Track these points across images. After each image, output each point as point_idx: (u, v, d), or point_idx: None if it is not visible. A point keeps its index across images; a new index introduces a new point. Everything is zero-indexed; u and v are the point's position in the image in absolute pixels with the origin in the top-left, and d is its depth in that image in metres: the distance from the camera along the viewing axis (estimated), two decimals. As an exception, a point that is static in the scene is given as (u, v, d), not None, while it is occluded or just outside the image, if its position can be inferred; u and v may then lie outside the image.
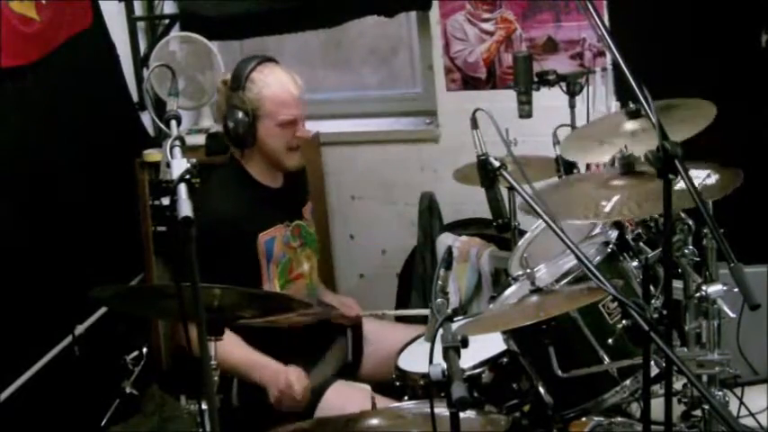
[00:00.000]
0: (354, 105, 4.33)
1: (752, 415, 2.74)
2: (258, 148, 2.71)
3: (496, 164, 2.03)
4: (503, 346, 2.42)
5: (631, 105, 2.38)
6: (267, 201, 2.76)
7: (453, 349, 1.67)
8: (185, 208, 1.63)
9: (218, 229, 2.54)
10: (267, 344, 2.65)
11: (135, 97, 3.91)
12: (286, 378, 2.55)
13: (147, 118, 3.95)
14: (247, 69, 2.67)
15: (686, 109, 2.42)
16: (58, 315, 3.23)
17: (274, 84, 2.68)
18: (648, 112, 1.75)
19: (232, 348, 2.51)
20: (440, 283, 1.91)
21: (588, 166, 3.23)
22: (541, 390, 2.26)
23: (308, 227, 2.88)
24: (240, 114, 2.65)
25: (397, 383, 2.63)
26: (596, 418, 2.51)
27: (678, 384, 2.29)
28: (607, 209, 2.02)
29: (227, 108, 2.69)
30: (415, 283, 3.93)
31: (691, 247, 2.24)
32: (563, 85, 3.04)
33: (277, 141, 2.70)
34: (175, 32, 3.88)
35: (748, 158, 2.22)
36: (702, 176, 2.15)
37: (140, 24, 3.99)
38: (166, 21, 4.00)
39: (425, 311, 3.08)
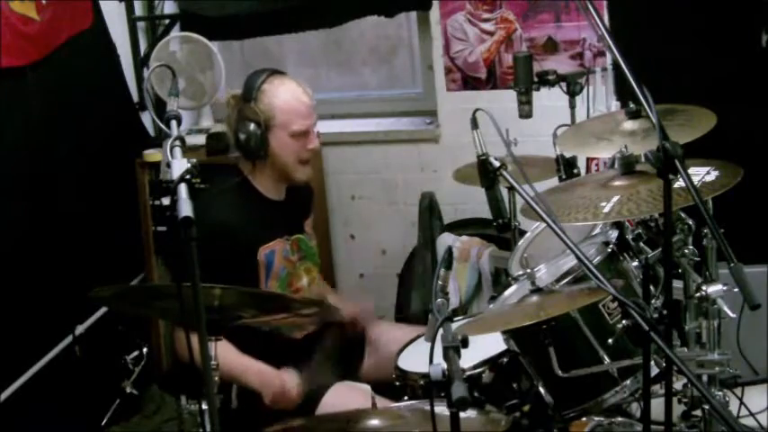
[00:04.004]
0: (355, 105, 4.34)
1: (752, 415, 2.74)
2: (270, 161, 2.70)
3: (496, 164, 2.03)
4: (503, 346, 2.42)
5: (631, 105, 2.38)
6: (269, 214, 2.76)
7: (453, 349, 1.67)
8: (185, 208, 1.63)
9: (220, 242, 2.54)
10: (271, 351, 2.65)
11: (135, 97, 3.92)
12: (280, 380, 2.55)
13: (147, 118, 3.95)
14: (258, 81, 2.67)
15: (687, 115, 2.42)
16: (59, 315, 3.23)
17: (286, 94, 2.68)
18: (649, 111, 1.75)
19: (225, 355, 2.51)
20: (440, 283, 1.91)
21: (589, 163, 3.23)
22: (541, 390, 2.26)
23: (308, 240, 2.88)
24: (252, 126, 2.64)
25: (397, 383, 2.63)
26: (596, 418, 2.51)
27: (678, 384, 2.29)
28: (606, 209, 2.02)
29: (238, 120, 2.68)
30: (416, 283, 3.93)
31: (691, 247, 2.24)
32: (563, 85, 3.04)
33: (289, 153, 2.70)
34: (175, 32, 3.88)
35: (748, 158, 2.22)
36: (702, 173, 2.15)
37: (140, 24, 3.99)
38: (166, 21, 4.01)
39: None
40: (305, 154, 2.73)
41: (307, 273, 2.86)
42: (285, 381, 2.55)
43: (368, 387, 2.74)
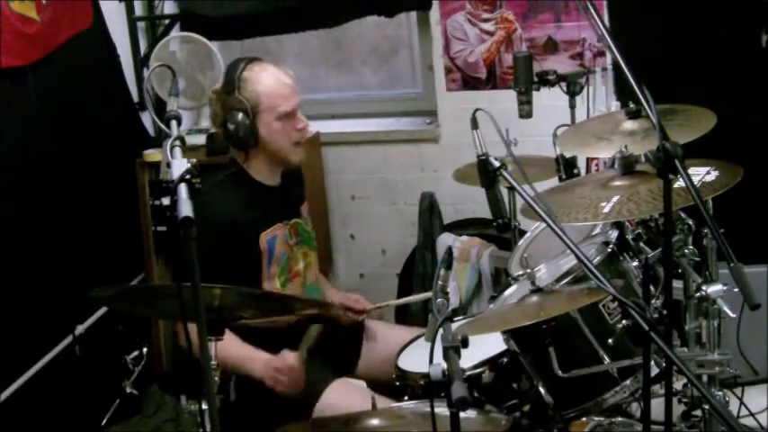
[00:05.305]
0: (355, 105, 4.34)
1: (752, 415, 2.74)
2: (262, 148, 2.71)
3: (496, 164, 2.03)
4: (503, 346, 2.42)
5: (631, 105, 2.38)
6: (267, 200, 2.77)
7: (453, 349, 1.67)
8: (185, 208, 1.63)
9: (221, 231, 2.56)
10: (263, 338, 2.65)
11: (135, 97, 3.91)
12: (278, 363, 2.57)
13: (147, 118, 3.95)
14: (238, 70, 2.67)
15: (686, 115, 2.42)
16: (59, 315, 3.23)
17: (267, 78, 2.68)
18: (649, 111, 1.75)
19: (229, 345, 2.52)
20: (440, 283, 1.91)
21: (589, 163, 3.24)
22: (541, 390, 2.26)
23: (305, 224, 2.89)
24: (240, 115, 2.65)
25: (397, 383, 2.63)
26: (596, 418, 2.51)
27: (678, 384, 2.29)
28: (606, 209, 2.02)
29: (224, 113, 2.68)
30: (415, 283, 3.94)
31: (691, 247, 2.24)
32: (563, 85, 3.04)
33: (279, 136, 2.70)
34: (175, 32, 3.88)
35: (748, 158, 2.22)
36: (702, 173, 2.15)
37: (140, 24, 3.99)
38: (166, 21, 4.01)
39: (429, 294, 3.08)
40: (295, 135, 2.73)
41: (303, 256, 2.86)
42: (289, 364, 2.56)
43: (363, 384, 2.75)
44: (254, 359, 2.62)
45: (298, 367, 2.57)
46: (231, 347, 2.57)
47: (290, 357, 2.58)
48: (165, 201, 1.67)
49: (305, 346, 2.61)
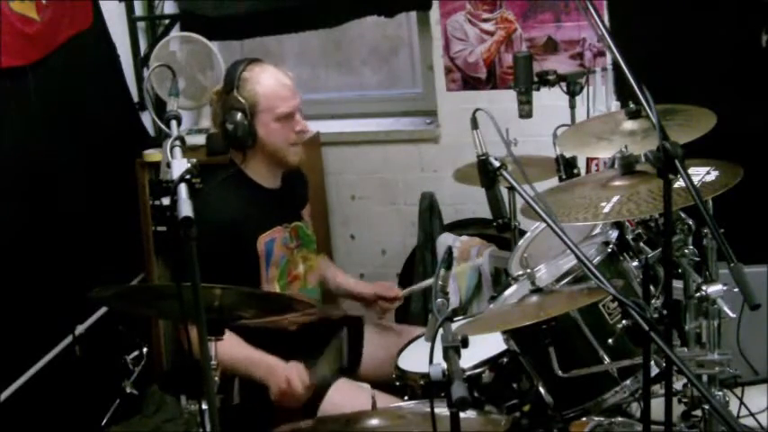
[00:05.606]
0: (354, 105, 4.34)
1: (752, 415, 2.74)
2: (260, 148, 2.71)
3: (496, 164, 2.03)
4: (503, 346, 2.42)
5: (631, 105, 2.38)
6: (266, 202, 2.77)
7: (453, 349, 1.67)
8: (185, 208, 1.63)
9: (219, 233, 2.55)
10: (266, 343, 2.65)
11: (135, 97, 3.92)
12: (287, 376, 2.55)
13: (147, 118, 3.95)
14: (238, 71, 2.68)
15: (686, 115, 2.42)
16: (59, 315, 3.23)
17: (267, 79, 2.68)
18: (649, 111, 1.75)
19: (233, 346, 2.52)
20: (440, 283, 1.91)
21: (589, 163, 3.24)
22: (541, 390, 2.26)
23: (306, 228, 2.89)
24: (238, 115, 2.65)
25: (397, 383, 2.63)
26: (596, 418, 2.51)
27: (678, 384, 2.29)
28: (606, 209, 2.02)
29: (223, 112, 2.68)
30: (416, 283, 3.93)
31: (691, 247, 2.24)
32: (563, 85, 3.04)
33: (277, 137, 2.70)
34: (175, 32, 3.88)
35: (748, 158, 2.22)
36: (702, 173, 2.15)
37: (140, 24, 3.99)
38: (166, 21, 4.01)
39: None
40: (293, 136, 2.73)
41: (303, 260, 2.86)
42: (293, 377, 2.54)
43: (368, 386, 2.74)
44: (265, 365, 2.59)
45: (302, 386, 2.53)
46: (238, 349, 2.57)
47: (297, 377, 2.53)
48: (165, 201, 1.67)
49: (323, 370, 2.59)
